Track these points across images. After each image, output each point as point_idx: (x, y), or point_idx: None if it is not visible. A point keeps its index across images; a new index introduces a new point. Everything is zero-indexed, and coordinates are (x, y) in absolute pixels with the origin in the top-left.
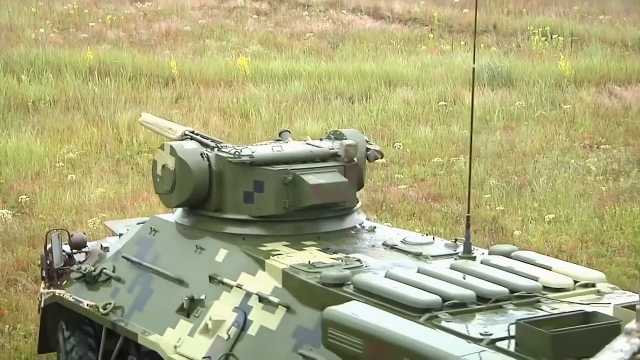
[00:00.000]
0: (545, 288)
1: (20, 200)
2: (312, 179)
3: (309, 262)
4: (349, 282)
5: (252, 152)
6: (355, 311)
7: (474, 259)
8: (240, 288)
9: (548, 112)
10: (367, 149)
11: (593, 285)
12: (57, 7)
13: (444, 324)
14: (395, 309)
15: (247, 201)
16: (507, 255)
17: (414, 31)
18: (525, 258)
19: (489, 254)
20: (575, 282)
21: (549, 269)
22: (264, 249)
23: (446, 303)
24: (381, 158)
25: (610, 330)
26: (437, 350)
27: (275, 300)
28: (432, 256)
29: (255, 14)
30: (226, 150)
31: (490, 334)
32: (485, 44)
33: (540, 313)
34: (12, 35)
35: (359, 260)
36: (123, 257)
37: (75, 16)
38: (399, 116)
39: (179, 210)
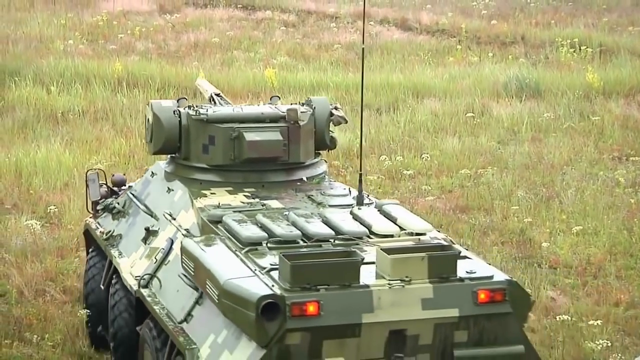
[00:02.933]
0: (372, 234)
1: (49, 210)
2: (251, 136)
3: (219, 203)
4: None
5: (211, 111)
6: (200, 242)
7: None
8: (171, 222)
9: (576, 124)
10: (331, 114)
11: (420, 234)
12: (86, 18)
13: (254, 255)
14: (235, 242)
15: (204, 152)
16: (379, 207)
17: (442, 42)
18: (385, 210)
19: (375, 207)
20: (403, 230)
21: (395, 220)
22: (206, 191)
23: (271, 239)
24: (345, 123)
25: (345, 266)
26: (219, 273)
27: (185, 233)
28: (330, 205)
29: (283, 25)
30: (194, 108)
31: (277, 265)
32: (513, 55)
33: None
34: (42, 46)
35: (264, 204)
36: (129, 193)
37: (104, 28)
38: (426, 127)
39: (168, 158)
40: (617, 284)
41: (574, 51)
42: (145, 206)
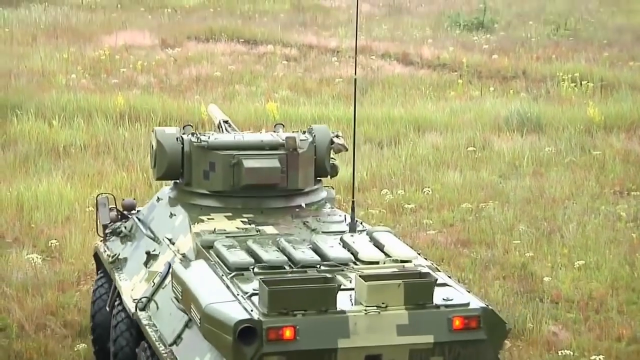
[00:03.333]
0: (359, 260)
1: (50, 244)
2: (249, 163)
3: (215, 229)
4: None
5: (212, 139)
6: (189, 267)
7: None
8: (170, 247)
9: (578, 158)
10: (332, 142)
11: (405, 261)
12: (88, 53)
13: (239, 280)
14: (223, 267)
15: (205, 178)
16: (370, 233)
17: (443, 77)
18: (374, 237)
19: (367, 234)
20: (389, 257)
21: (382, 247)
22: (204, 217)
23: (258, 265)
24: (345, 151)
25: (322, 292)
26: (202, 297)
27: (181, 257)
28: (323, 231)
29: (284, 59)
30: (196, 135)
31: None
32: (514, 89)
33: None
34: (44, 81)
35: (259, 230)
36: (135, 217)
37: (106, 62)
38: (428, 161)
39: (172, 184)
40: (619, 319)
41: (575, 86)
42: (150, 230)
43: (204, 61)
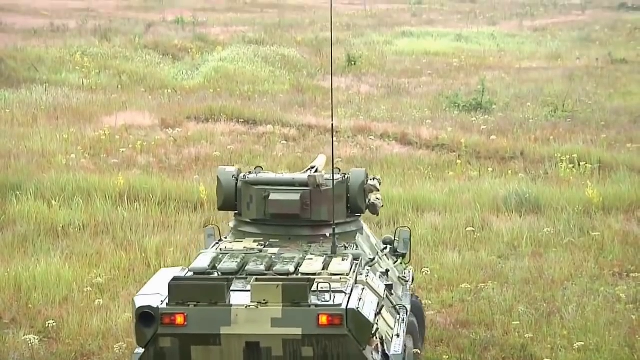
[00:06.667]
0: (300, 273)
1: (47, 325)
2: (274, 196)
3: (225, 247)
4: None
5: (254, 176)
6: (163, 272)
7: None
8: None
9: (576, 239)
10: (365, 183)
11: (337, 275)
12: (88, 133)
13: (187, 280)
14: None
15: (247, 208)
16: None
17: (442, 157)
18: (334, 258)
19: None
20: (325, 270)
21: (328, 264)
22: (238, 239)
23: (215, 272)
24: (377, 191)
25: (212, 287)
26: (141, 290)
27: None
28: (311, 253)
29: (284, 139)
30: (246, 174)
31: None
32: (513, 170)
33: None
34: (44, 161)
35: (260, 251)
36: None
37: (106, 142)
38: (426, 241)
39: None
40: None
41: (573, 167)
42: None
43: (203, 141)
